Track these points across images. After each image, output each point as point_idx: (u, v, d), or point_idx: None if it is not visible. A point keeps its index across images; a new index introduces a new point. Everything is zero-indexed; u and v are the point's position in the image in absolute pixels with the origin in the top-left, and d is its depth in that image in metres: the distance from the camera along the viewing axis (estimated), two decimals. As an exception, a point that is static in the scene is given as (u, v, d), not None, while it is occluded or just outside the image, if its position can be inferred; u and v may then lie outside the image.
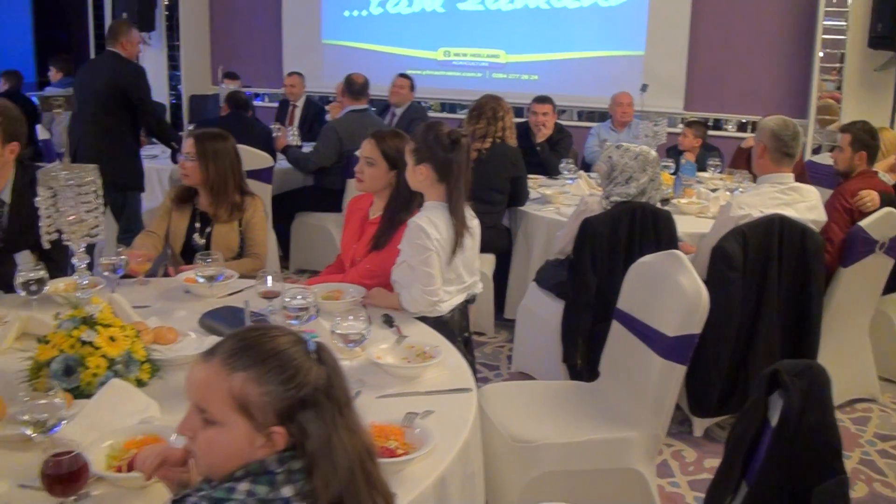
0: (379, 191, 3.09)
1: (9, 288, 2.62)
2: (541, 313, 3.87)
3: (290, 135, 6.16)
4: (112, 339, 2.07)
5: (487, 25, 8.15)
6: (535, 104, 5.81)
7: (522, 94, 6.92)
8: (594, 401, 2.81)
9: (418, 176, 2.75)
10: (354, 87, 5.63)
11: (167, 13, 8.79)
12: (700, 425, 3.58)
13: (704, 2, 7.23)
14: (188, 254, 3.26)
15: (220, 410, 1.28)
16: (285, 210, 5.69)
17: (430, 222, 2.68)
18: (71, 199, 2.05)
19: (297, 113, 7.49)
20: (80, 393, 1.98)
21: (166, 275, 3.23)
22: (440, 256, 2.70)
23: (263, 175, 5.16)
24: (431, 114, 7.93)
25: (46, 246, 2.25)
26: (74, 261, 2.33)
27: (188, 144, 3.29)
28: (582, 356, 3.56)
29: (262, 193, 4.37)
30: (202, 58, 9.07)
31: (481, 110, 4.68)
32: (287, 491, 1.26)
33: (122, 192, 5.03)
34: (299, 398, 1.28)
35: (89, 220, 2.09)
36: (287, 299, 2.29)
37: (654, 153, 3.61)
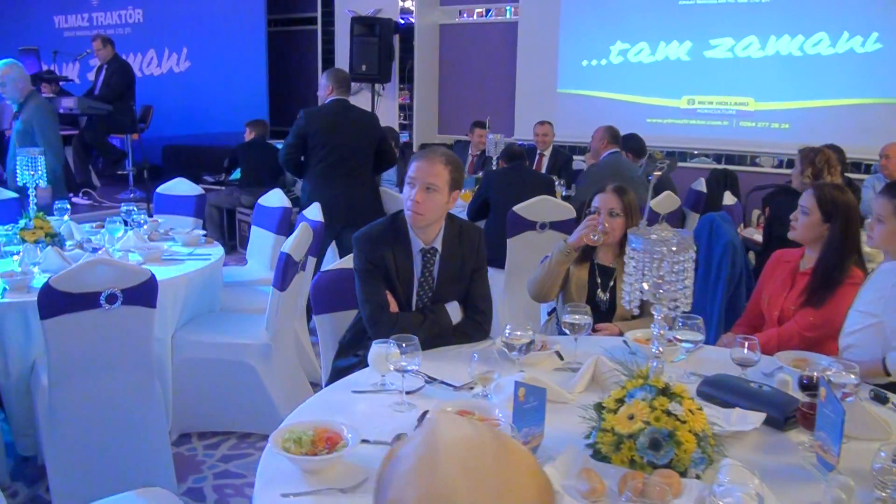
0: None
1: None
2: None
3: (558, 184, 6.01)
4: (691, 411, 1.87)
5: (735, 73, 7.86)
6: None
7: (773, 142, 6.59)
8: None
9: None
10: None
11: (400, 65, 8.89)
12: None
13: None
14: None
15: None
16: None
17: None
18: (664, 265, 1.86)
19: (545, 161, 7.37)
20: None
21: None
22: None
23: (567, 225, 4.98)
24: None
25: (635, 311, 2.08)
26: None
27: (610, 200, 3.13)
28: None
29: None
30: (430, 107, 9.12)
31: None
32: None
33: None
34: None
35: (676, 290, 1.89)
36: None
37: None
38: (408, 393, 2.18)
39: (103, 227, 4.58)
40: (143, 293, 2.98)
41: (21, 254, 3.64)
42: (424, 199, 2.66)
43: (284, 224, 4.80)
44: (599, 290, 3.18)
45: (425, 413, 2.08)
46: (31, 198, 4.15)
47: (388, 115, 8.78)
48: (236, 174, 7.79)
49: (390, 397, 2.19)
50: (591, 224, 3.07)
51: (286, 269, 3.52)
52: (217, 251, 4.14)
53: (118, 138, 8.33)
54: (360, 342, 2.84)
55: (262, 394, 3.61)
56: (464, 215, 5.15)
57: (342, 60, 9.07)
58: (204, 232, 4.40)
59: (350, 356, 2.84)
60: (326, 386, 2.57)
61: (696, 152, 8.17)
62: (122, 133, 8.18)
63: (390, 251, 2.75)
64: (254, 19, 9.17)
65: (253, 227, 5.04)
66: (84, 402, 3.03)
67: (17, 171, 4.17)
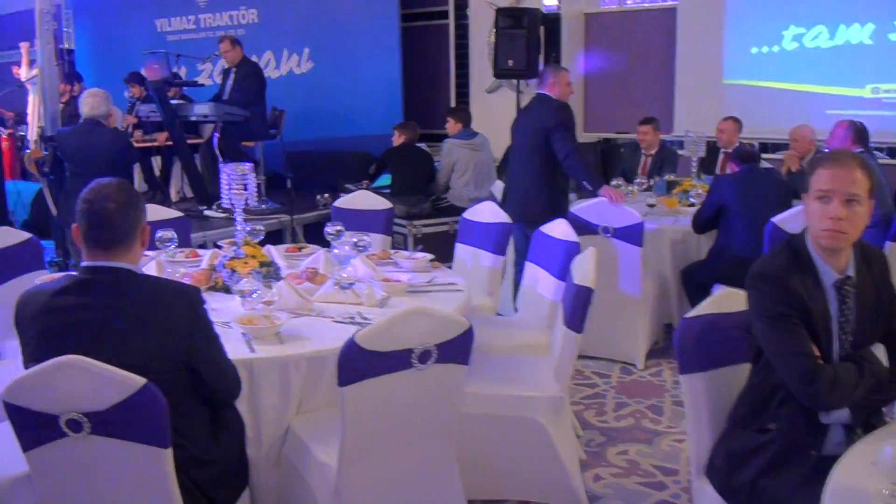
0: None
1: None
2: None
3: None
4: None
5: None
6: None
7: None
8: None
9: None
10: None
11: (544, 59, 8.17)
12: None
13: None
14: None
15: None
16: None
17: None
18: None
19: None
20: None
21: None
22: None
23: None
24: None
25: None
26: None
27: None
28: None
29: None
30: (576, 104, 8.38)
31: None
32: None
33: None
34: None
35: None
36: None
37: None
38: None
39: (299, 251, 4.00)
40: (460, 347, 2.33)
41: (244, 290, 3.00)
42: (847, 215, 2.05)
43: (503, 242, 4.12)
44: None
45: None
46: (238, 223, 3.53)
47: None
48: (381, 180, 7.17)
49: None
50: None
51: (584, 306, 2.83)
52: (458, 280, 3.47)
53: (247, 146, 7.75)
54: (763, 411, 2.15)
55: (551, 457, 2.93)
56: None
57: (479, 55, 8.41)
58: (432, 256, 3.73)
59: (751, 431, 2.15)
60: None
61: (884, 147, 7.30)
62: (254, 140, 7.61)
63: (801, 286, 2.07)
64: (387, 14, 8.53)
65: (458, 245, 4.36)
66: (375, 483, 2.39)
67: (222, 193, 3.54)
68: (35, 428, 2.01)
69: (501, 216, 4.12)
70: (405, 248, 6.36)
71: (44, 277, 3.43)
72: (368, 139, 8.45)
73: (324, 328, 2.80)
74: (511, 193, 5.04)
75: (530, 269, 3.83)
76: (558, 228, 3.65)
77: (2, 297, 3.64)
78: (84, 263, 2.17)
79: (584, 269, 2.88)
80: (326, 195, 7.33)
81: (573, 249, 3.47)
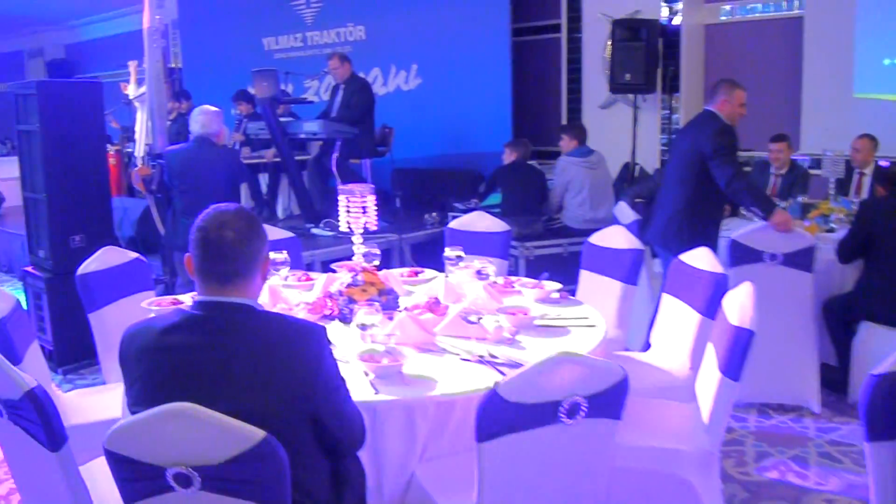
0: None
1: None
2: None
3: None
4: None
5: None
6: None
7: None
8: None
9: None
10: None
11: (662, 74, 7.78)
12: None
13: None
14: None
15: None
16: None
17: None
18: None
19: (865, 182, 6.10)
20: None
21: None
22: None
23: None
24: None
25: None
26: None
27: None
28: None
29: None
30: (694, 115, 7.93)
31: None
32: None
33: None
34: None
35: None
36: None
37: None
38: None
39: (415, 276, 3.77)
40: (613, 400, 2.04)
41: (366, 322, 2.77)
42: None
43: (635, 271, 3.80)
44: None
45: None
46: (355, 247, 3.32)
47: (648, 131, 7.72)
48: (490, 199, 6.92)
49: None
50: None
51: (744, 351, 2.49)
52: (591, 313, 3.18)
53: (354, 163, 7.63)
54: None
55: (699, 520, 2.60)
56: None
57: (593, 69, 8.09)
58: (559, 285, 3.44)
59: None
60: None
61: None
62: (362, 157, 7.48)
63: None
64: (497, 29, 8.29)
65: (583, 272, 4.06)
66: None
67: (340, 216, 3.35)
68: (139, 480, 1.80)
69: (633, 242, 3.81)
70: (516, 271, 6.10)
71: (151, 302, 3.31)
72: (477, 156, 8.23)
73: (450, 367, 2.55)
74: (656, 215, 4.67)
75: (668, 302, 3.49)
76: (703, 258, 3.30)
77: (108, 317, 3.56)
78: (198, 298, 1.96)
79: (742, 308, 2.54)
80: (434, 214, 7.14)
81: (721, 283, 3.13)
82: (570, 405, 1.96)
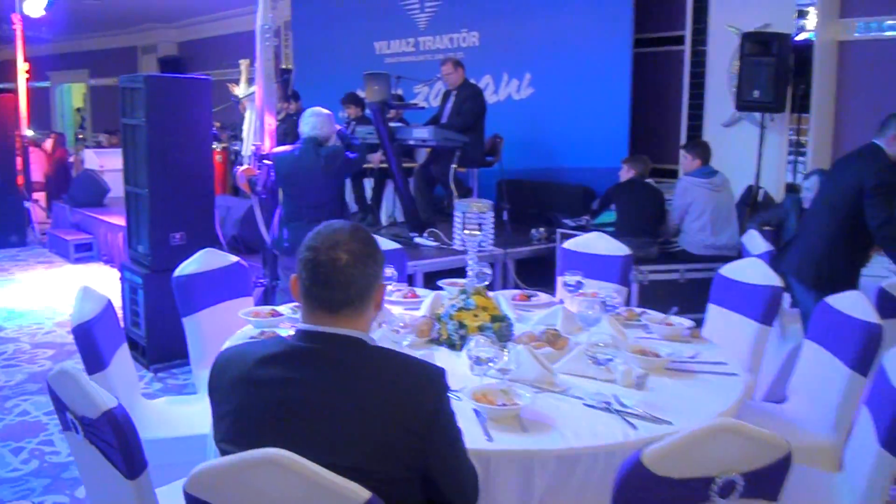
0: None
1: None
2: None
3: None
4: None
5: None
6: None
7: None
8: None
9: None
10: None
11: (792, 93, 7.27)
12: None
13: None
14: None
15: None
16: None
17: None
18: None
19: None
20: None
21: None
22: None
23: None
24: None
25: None
26: None
27: None
28: None
29: None
30: (824, 143, 7.41)
31: None
32: None
33: None
34: None
35: None
36: None
37: None
38: None
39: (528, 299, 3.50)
40: (773, 478, 1.72)
41: (481, 356, 2.50)
42: None
43: (772, 310, 3.43)
44: None
45: None
46: (470, 263, 3.07)
47: (774, 153, 7.22)
48: (603, 217, 6.59)
49: None
50: None
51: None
52: (729, 358, 2.84)
53: (460, 172, 7.40)
54: None
55: None
56: None
57: (717, 84, 7.63)
58: (691, 323, 3.10)
59: None
60: None
61: None
62: (470, 166, 7.26)
63: None
64: (618, 39, 7.91)
65: (711, 307, 3.71)
66: None
67: (454, 232, 3.11)
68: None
69: (771, 278, 3.43)
70: (630, 298, 5.74)
71: (248, 312, 3.14)
72: (590, 171, 7.88)
73: (573, 413, 2.27)
74: (795, 245, 4.41)
75: (811, 350, 3.10)
76: (855, 303, 2.91)
77: (203, 322, 3.43)
78: (302, 326, 1.74)
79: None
80: (542, 229, 6.86)
81: (874, 335, 2.74)
82: (725, 483, 1.65)
